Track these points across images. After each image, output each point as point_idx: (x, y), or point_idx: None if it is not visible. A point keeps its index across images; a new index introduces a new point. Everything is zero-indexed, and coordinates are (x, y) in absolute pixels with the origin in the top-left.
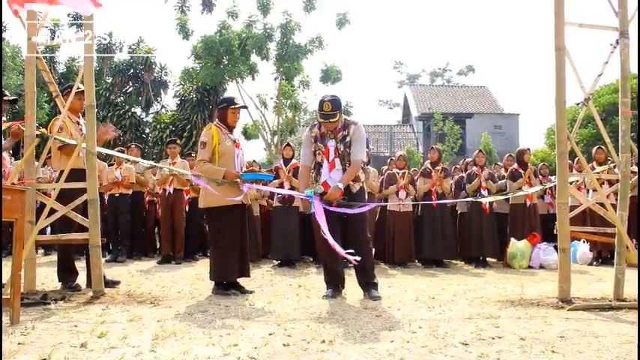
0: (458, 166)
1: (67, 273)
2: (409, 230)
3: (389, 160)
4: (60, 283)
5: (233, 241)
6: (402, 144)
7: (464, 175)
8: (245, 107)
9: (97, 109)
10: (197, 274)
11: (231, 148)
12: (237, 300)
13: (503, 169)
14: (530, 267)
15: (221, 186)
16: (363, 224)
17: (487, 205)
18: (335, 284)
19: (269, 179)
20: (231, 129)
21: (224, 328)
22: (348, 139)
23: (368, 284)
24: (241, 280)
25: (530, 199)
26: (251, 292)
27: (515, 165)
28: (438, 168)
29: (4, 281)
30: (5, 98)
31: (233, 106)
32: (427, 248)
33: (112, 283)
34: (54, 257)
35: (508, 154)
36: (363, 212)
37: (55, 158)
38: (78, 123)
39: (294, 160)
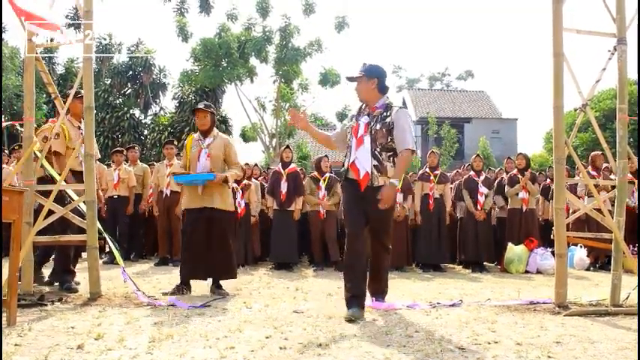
0: (459, 170)
1: (64, 274)
2: (406, 234)
3: None
4: (57, 284)
5: (195, 243)
6: None
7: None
8: (200, 109)
9: (95, 111)
10: None
11: (195, 154)
12: (235, 303)
13: (505, 172)
14: (527, 272)
15: (186, 191)
16: (386, 226)
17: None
18: (359, 301)
19: (207, 179)
20: (203, 134)
21: (221, 331)
22: (388, 120)
23: (377, 293)
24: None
25: (526, 203)
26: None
27: (515, 170)
28: (436, 173)
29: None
30: None
31: (195, 110)
32: (424, 252)
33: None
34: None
35: (507, 157)
36: (389, 212)
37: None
38: (79, 127)
39: (292, 164)
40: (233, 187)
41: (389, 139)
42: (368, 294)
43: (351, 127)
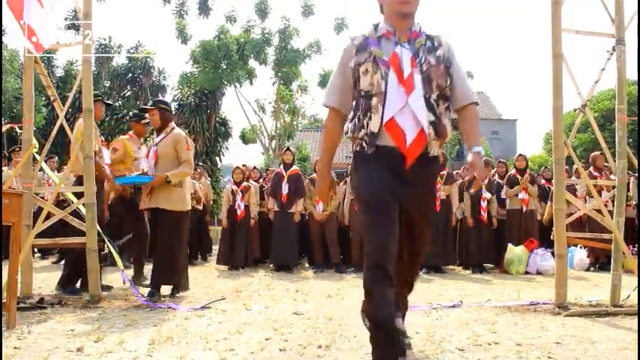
0: (459, 172)
1: (70, 277)
2: None
3: None
4: (58, 286)
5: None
6: None
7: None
8: (144, 109)
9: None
10: (194, 279)
11: (148, 153)
12: (235, 305)
13: (497, 175)
14: (527, 273)
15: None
16: (427, 221)
17: (485, 215)
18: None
19: (144, 182)
20: (157, 131)
21: (221, 333)
22: (440, 53)
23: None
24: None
25: (526, 204)
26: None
27: (513, 170)
28: (443, 173)
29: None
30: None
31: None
32: (428, 254)
33: (106, 288)
34: (48, 262)
35: (498, 161)
36: (431, 212)
37: (76, 163)
38: (139, 148)
39: (294, 166)
40: (233, 189)
41: (447, 81)
42: None
43: (380, 62)
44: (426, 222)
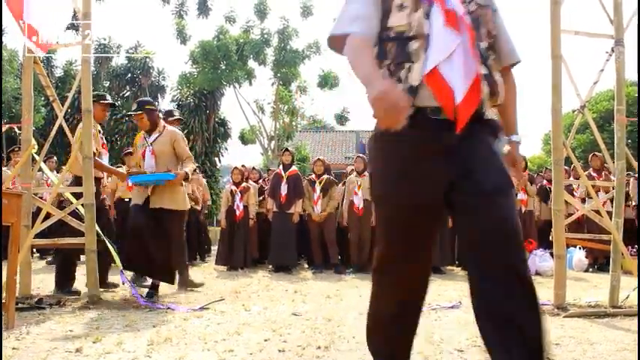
0: None
1: (66, 279)
2: None
3: None
4: (56, 290)
5: (135, 240)
6: None
7: None
8: (131, 115)
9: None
10: (193, 279)
11: (142, 154)
12: (234, 305)
13: None
14: None
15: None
16: (512, 211)
17: None
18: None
19: (167, 179)
20: (147, 132)
21: (219, 334)
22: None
23: None
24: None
25: (525, 204)
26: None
27: None
28: None
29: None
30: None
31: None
32: None
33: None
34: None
35: None
36: (511, 195)
37: (76, 164)
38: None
39: (293, 167)
40: (232, 190)
41: (495, 30)
42: None
43: None
44: (507, 201)
